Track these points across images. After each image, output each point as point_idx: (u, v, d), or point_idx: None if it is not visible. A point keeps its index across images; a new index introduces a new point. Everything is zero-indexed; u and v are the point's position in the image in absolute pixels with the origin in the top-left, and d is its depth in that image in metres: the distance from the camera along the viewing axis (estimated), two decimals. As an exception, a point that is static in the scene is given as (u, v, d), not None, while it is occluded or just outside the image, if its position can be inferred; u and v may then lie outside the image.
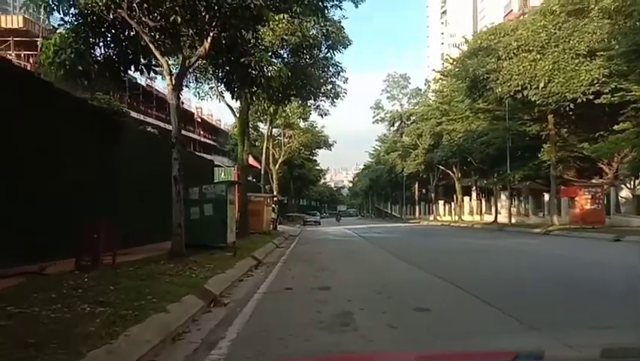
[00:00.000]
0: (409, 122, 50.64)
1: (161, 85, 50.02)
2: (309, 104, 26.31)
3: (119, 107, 12.53)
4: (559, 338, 3.99)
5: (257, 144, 41.23)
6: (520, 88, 24.58)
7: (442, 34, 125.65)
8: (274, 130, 37.20)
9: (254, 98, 17.33)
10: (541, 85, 23.83)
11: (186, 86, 20.81)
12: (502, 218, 39.13)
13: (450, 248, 16.31)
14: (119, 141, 12.01)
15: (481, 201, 46.63)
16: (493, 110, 36.98)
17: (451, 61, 47.04)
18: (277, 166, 36.12)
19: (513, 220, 34.59)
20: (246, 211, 18.36)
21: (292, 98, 24.03)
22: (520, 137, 30.08)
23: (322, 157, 67.48)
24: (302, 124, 37.57)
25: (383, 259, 12.79)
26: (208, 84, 20.56)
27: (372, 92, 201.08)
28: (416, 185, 58.31)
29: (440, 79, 50.26)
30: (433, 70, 48.64)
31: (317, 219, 48.84)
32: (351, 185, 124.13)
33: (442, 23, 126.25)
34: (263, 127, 37.02)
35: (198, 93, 20.86)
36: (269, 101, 22.17)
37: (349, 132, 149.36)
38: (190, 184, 12.83)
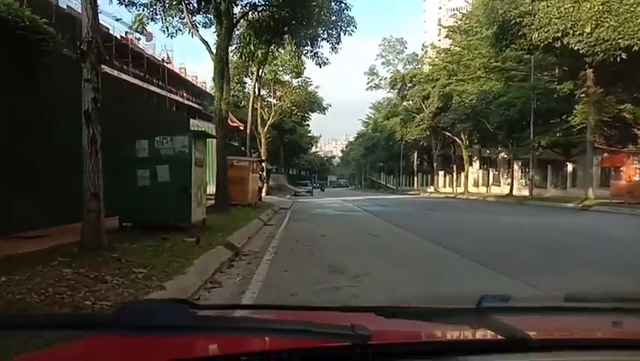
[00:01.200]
0: (410, 85, 46.18)
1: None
2: (305, 51, 21.88)
3: (35, 20, 8.04)
4: None
5: (242, 104, 36.82)
6: (560, 34, 20.35)
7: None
8: (263, 91, 32.78)
9: (236, 28, 13.03)
10: (587, 30, 19.63)
11: (152, 19, 16.40)
12: (515, 191, 35.52)
13: (497, 230, 12.40)
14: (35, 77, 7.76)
15: (488, 171, 42.91)
16: (510, 69, 32.96)
17: (460, 16, 42.57)
18: (266, 129, 31.81)
19: (526, 192, 30.95)
20: (225, 178, 14.22)
21: (285, 38, 19.68)
22: (545, 97, 26.03)
23: (312, 125, 62.97)
24: (295, 82, 33.19)
25: (426, 250, 8.79)
26: (179, 17, 16.11)
27: (362, 60, 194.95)
28: (415, 154, 54.33)
29: (448, 36, 45.77)
30: (440, 26, 44.07)
31: (309, 189, 44.77)
32: (342, 154, 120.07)
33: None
34: (250, 84, 32.53)
35: (167, 29, 16.37)
36: (256, 39, 17.80)
37: (339, 102, 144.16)
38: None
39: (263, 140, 31.85)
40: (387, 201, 29.30)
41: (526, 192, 32.47)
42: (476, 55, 36.03)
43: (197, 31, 14.99)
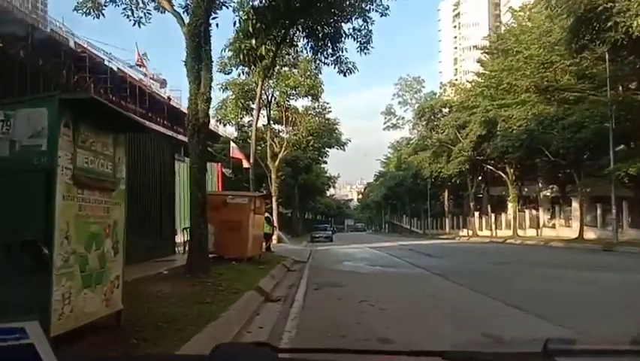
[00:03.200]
0: (440, 115, 41.06)
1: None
2: (323, 58, 16.81)
3: None
4: None
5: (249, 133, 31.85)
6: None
7: (455, 37, 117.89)
8: (272, 115, 27.79)
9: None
10: None
11: None
12: (572, 232, 29.51)
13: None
14: None
15: (536, 210, 36.91)
16: (566, 88, 27.61)
17: (495, 38, 37.82)
18: (277, 163, 26.62)
19: (593, 235, 24.96)
20: (202, 220, 8.74)
21: (298, 32, 14.72)
22: (632, 113, 20.47)
23: (328, 166, 57.65)
24: (310, 105, 28.31)
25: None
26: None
27: (375, 105, 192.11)
28: (445, 193, 48.58)
29: (480, 61, 40.87)
30: (475, 47, 39.39)
31: (328, 234, 39.02)
32: (360, 197, 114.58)
33: (455, 27, 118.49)
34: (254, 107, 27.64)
35: (132, 12, 11.45)
36: (261, 25, 12.79)
37: (353, 145, 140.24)
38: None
39: (274, 176, 26.61)
40: (426, 248, 23.48)
41: (592, 235, 26.45)
42: (519, 76, 31.00)
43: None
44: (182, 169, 22.13)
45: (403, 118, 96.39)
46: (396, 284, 9.82)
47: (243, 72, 19.97)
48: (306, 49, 16.49)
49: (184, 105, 56.67)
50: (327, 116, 27.61)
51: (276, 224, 25.25)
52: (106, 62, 37.48)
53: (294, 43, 15.98)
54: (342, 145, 40.49)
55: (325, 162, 43.62)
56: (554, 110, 27.12)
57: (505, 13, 56.90)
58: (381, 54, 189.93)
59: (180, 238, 14.24)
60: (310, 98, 25.80)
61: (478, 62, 42.27)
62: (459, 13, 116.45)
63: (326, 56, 16.29)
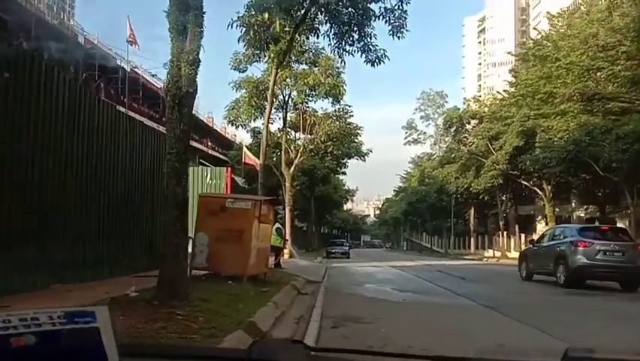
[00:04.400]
0: (467, 127, 38.41)
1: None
2: (347, 47, 14.46)
3: None
4: None
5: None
6: None
7: (480, 53, 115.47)
8: (288, 116, 25.51)
9: None
10: None
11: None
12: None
13: None
14: None
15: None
16: (614, 98, 24.87)
17: (531, 44, 35.24)
18: (292, 169, 24.26)
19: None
20: (179, 227, 6.34)
21: (319, 15, 12.53)
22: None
23: (346, 180, 55.25)
24: (330, 108, 25.96)
25: None
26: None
27: (394, 123, 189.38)
28: (472, 210, 45.68)
29: (513, 70, 38.30)
30: (510, 53, 36.92)
31: (345, 249, 36.35)
32: (378, 212, 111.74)
33: (480, 42, 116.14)
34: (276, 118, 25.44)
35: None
36: None
37: (370, 162, 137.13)
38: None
39: (288, 184, 24.24)
40: (456, 269, 20.81)
41: None
42: (559, 84, 28.39)
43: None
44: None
45: (425, 133, 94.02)
46: (440, 321, 7.31)
47: (258, 61, 17.68)
48: (328, 36, 14.22)
49: (200, 112, 55.06)
50: (348, 120, 25.39)
51: (288, 237, 22.87)
52: (118, 62, 35.86)
53: (315, 26, 13.71)
54: (363, 156, 38.03)
55: (344, 173, 41.21)
56: (600, 121, 24.43)
57: (538, 24, 54.27)
58: (403, 70, 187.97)
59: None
60: (331, 99, 23.55)
61: (510, 71, 39.73)
62: (484, 29, 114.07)
63: (351, 43, 13.97)
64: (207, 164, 28.71)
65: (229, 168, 21.54)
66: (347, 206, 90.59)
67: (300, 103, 23.65)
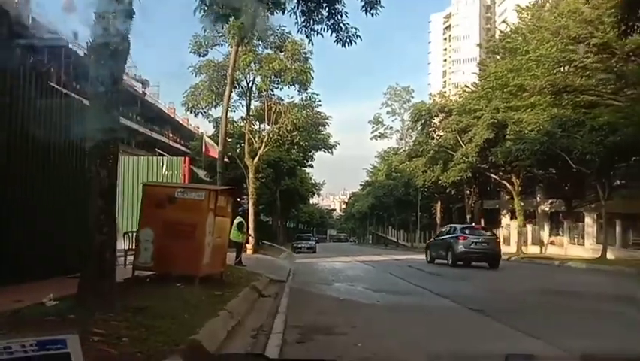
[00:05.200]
0: (435, 120, 37.76)
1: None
2: (316, 26, 13.18)
3: None
4: None
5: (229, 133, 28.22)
6: None
7: (445, 50, 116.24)
8: (253, 105, 24.03)
9: None
10: None
11: None
12: (584, 251, 26.39)
13: None
14: None
15: (536, 226, 33.77)
16: (586, 90, 24.55)
17: (501, 37, 34.82)
18: (256, 160, 22.83)
19: (611, 255, 21.74)
20: (106, 213, 5.00)
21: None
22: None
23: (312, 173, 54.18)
24: (297, 97, 24.61)
25: None
26: None
27: (359, 119, 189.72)
28: (438, 204, 45.33)
29: (481, 63, 37.93)
30: (479, 45, 36.47)
31: (312, 244, 35.26)
32: (344, 206, 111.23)
33: (446, 39, 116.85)
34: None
35: None
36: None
37: (336, 157, 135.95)
38: None
39: (251, 175, 22.79)
40: (427, 264, 19.97)
41: (609, 255, 23.19)
42: (529, 77, 28.01)
43: None
44: (132, 162, 18.39)
45: (391, 128, 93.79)
46: (427, 332, 6.20)
47: (219, 45, 16.24)
48: (295, 14, 12.91)
49: (161, 102, 52.63)
50: (316, 109, 24.11)
51: (252, 232, 21.53)
52: (70, 45, 33.37)
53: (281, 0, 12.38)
54: (330, 148, 36.97)
55: (311, 166, 39.98)
56: (571, 114, 24.06)
57: (505, 19, 54.31)
58: (370, 67, 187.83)
59: (122, 244, 10.48)
60: (297, 87, 22.25)
61: (479, 64, 39.36)
62: (450, 26, 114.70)
63: (320, 20, 12.68)
64: (164, 153, 26.93)
65: (187, 158, 20.04)
66: (313, 200, 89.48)
67: (265, 90, 22.23)
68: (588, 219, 27.48)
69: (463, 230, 20.02)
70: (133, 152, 32.55)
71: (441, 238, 21.24)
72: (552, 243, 31.62)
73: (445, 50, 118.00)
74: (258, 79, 22.26)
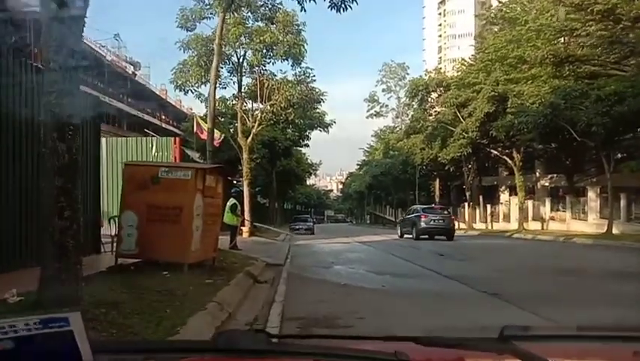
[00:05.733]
0: (433, 96, 36.80)
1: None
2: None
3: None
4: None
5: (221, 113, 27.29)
6: None
7: (440, 25, 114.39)
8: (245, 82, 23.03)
9: None
10: None
11: None
12: (587, 226, 25.84)
13: None
14: None
15: (536, 202, 33.22)
16: (589, 60, 23.74)
17: (500, 7, 33.70)
18: (250, 139, 21.92)
19: (615, 230, 21.13)
20: (67, 193, 4.22)
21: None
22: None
23: (309, 152, 53.34)
24: (290, 72, 23.62)
25: None
26: None
27: (355, 99, 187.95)
28: (437, 182, 44.68)
29: (479, 35, 36.88)
30: (477, 16, 35.38)
31: (309, 225, 34.56)
32: (342, 186, 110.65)
33: (440, 14, 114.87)
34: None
35: None
36: None
37: (332, 137, 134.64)
38: None
39: (245, 155, 21.91)
40: (429, 244, 19.33)
41: (614, 230, 22.57)
42: (529, 48, 27.06)
43: None
44: (119, 143, 17.51)
45: (387, 106, 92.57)
46: (440, 318, 5.50)
47: (207, 18, 15.28)
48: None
49: (153, 84, 51.38)
50: (311, 85, 23.10)
51: (247, 214, 20.79)
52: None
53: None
54: (326, 127, 36.05)
55: (307, 145, 39.03)
56: (573, 85, 23.19)
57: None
58: (365, 45, 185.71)
59: (110, 230, 9.75)
60: (291, 61, 21.24)
61: (477, 37, 38.31)
62: (444, 1, 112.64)
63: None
64: (153, 134, 26.00)
65: (177, 139, 19.17)
66: (310, 181, 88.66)
67: (257, 65, 21.19)
68: (591, 194, 26.81)
69: (424, 210, 24.10)
70: (124, 134, 31.60)
71: (408, 217, 25.56)
72: (552, 218, 31.09)
73: (440, 25, 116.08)
74: (249, 53, 21.24)
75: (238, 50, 21.08)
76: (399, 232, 25.90)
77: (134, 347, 1.19)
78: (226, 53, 21.08)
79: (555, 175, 35.32)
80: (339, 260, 12.85)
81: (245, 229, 19.10)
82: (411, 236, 22.94)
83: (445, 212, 24.59)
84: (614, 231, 21.58)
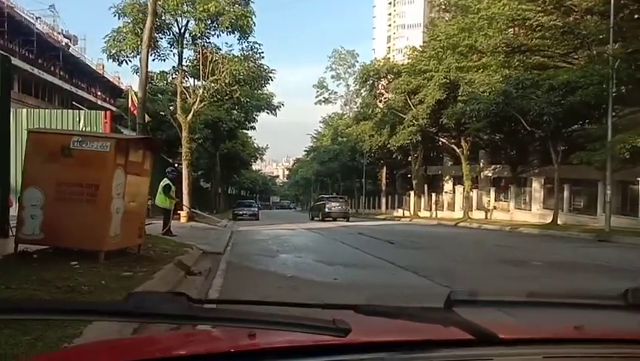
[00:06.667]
0: (383, 82, 36.26)
1: None
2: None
3: None
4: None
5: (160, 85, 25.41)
6: None
7: (390, 15, 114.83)
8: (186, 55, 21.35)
9: None
10: None
11: None
12: (532, 216, 26.22)
13: None
14: None
15: (487, 192, 33.57)
16: (539, 49, 23.78)
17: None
18: (190, 116, 20.27)
19: (559, 220, 21.45)
20: None
21: None
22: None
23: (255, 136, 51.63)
24: (237, 48, 22.04)
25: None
26: None
27: (305, 83, 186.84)
28: (384, 170, 44.49)
29: (431, 22, 36.60)
30: (430, 3, 35.01)
31: (254, 211, 33.23)
32: (288, 172, 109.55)
33: (390, 4, 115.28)
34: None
35: None
36: None
37: (279, 122, 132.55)
38: None
39: (185, 133, 20.30)
40: (377, 231, 18.64)
41: (558, 220, 22.88)
42: (481, 37, 26.90)
43: None
44: (42, 116, 15.60)
45: (336, 93, 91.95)
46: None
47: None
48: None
49: (89, 58, 48.00)
50: (259, 62, 21.68)
51: (186, 197, 19.31)
52: None
53: None
54: (274, 109, 34.76)
55: (253, 128, 37.52)
56: (523, 74, 23.17)
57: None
58: (316, 32, 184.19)
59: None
60: (237, 34, 19.76)
61: (428, 24, 38.05)
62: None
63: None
64: (80, 106, 23.83)
65: (108, 112, 17.32)
66: (256, 166, 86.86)
67: (200, 36, 19.58)
68: (535, 185, 27.18)
69: (328, 199, 31.80)
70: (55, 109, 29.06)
71: (317, 204, 32.62)
72: (495, 208, 31.51)
73: (390, 14, 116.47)
74: (192, 23, 19.58)
75: (179, 19, 19.41)
76: (309, 215, 32.39)
77: (33, 306, 0.99)
78: (166, 23, 19.35)
79: (499, 166, 35.81)
80: (284, 248, 11.82)
81: (183, 213, 17.68)
82: (318, 218, 29.10)
83: (343, 200, 31.87)
84: (558, 221, 21.84)
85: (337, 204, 29.96)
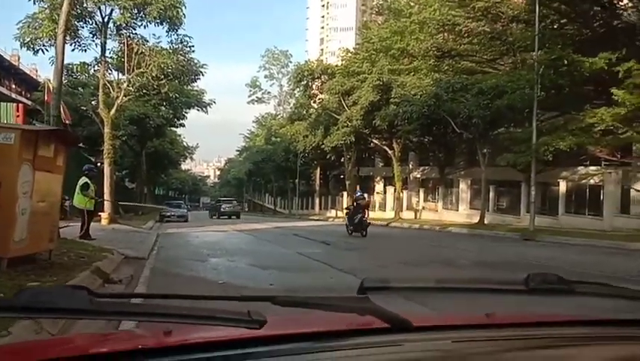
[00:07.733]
0: (317, 83, 36.15)
1: None
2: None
3: None
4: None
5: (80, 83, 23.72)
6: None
7: (323, 17, 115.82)
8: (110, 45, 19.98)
9: None
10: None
11: None
12: (459, 216, 27.09)
13: None
14: None
15: (416, 192, 34.35)
16: (473, 54, 24.61)
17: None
18: (114, 111, 18.91)
19: (487, 220, 22.28)
20: None
21: None
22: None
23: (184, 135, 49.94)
24: (166, 40, 20.90)
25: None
26: None
27: (236, 82, 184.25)
28: (317, 171, 44.44)
29: (364, 26, 36.95)
30: (363, 6, 35.28)
31: (183, 212, 31.88)
32: (219, 172, 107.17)
33: (324, 6, 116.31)
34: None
35: None
36: None
37: (210, 121, 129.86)
38: None
39: (107, 129, 18.93)
40: (312, 232, 18.35)
41: (476, 218, 23.69)
42: (412, 41, 27.50)
43: None
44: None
45: (269, 93, 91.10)
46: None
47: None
48: None
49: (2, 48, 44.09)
50: (189, 56, 20.64)
51: (107, 197, 18.00)
52: None
53: None
54: (205, 106, 33.62)
55: (183, 126, 36.06)
56: (452, 79, 23.89)
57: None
58: (246, 29, 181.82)
59: None
60: (166, 26, 18.70)
61: (362, 27, 38.40)
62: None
63: None
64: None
65: (21, 105, 15.87)
66: (186, 166, 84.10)
67: (125, 26, 18.33)
68: (463, 185, 28.13)
69: (223, 201, 40.11)
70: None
71: (214, 204, 41.46)
72: (423, 208, 32.34)
73: (323, 17, 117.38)
74: (116, 12, 18.30)
75: (103, 7, 18.08)
76: (209, 215, 39.44)
77: None
78: (87, 10, 17.98)
79: (427, 167, 36.84)
80: (215, 252, 11.18)
81: (104, 215, 16.46)
82: (215, 217, 34.97)
83: (236, 202, 41.35)
84: (485, 221, 22.65)
85: (230, 205, 37.83)
